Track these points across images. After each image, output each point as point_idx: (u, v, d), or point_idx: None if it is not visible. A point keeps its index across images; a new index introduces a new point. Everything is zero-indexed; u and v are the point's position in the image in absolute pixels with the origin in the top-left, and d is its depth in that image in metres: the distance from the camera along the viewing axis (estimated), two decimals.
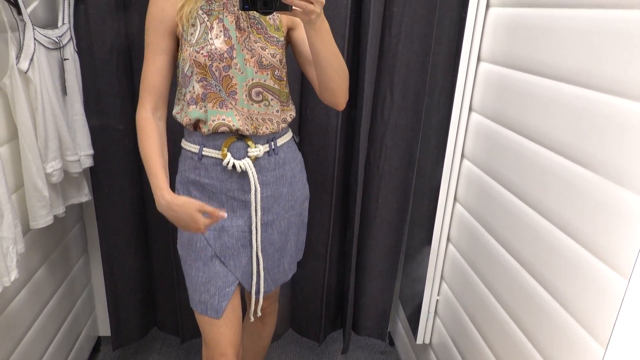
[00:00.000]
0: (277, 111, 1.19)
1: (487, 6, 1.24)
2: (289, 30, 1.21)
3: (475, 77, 1.30)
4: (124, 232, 1.70)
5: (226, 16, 1.12)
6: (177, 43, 1.16)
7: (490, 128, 1.23)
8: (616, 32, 0.80)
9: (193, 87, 1.14)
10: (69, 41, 1.38)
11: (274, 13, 0.98)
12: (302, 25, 1.15)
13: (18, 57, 1.18)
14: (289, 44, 1.24)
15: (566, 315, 0.91)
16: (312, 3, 0.93)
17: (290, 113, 1.24)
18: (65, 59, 1.35)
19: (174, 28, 1.14)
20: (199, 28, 1.11)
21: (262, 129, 1.17)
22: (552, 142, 0.97)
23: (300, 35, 1.19)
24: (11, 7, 1.14)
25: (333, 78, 1.11)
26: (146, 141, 1.15)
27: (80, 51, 1.45)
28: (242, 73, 1.13)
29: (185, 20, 1.11)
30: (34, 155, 1.24)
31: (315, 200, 1.75)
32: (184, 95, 1.17)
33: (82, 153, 1.45)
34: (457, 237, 1.47)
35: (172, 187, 1.20)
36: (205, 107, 1.14)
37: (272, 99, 1.17)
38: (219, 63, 1.11)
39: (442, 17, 1.58)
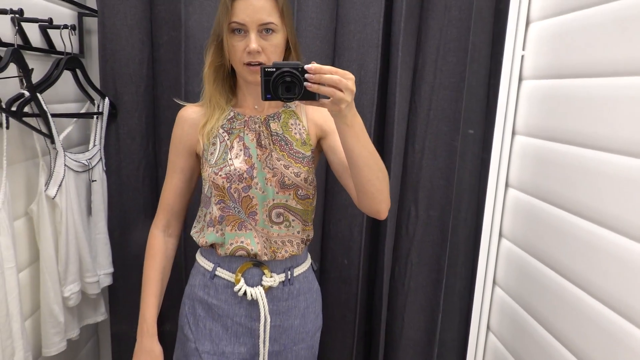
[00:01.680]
0: (299, 232, 1.13)
1: (513, 133, 1.23)
2: (320, 140, 1.14)
3: (504, 202, 1.26)
4: None
5: (247, 134, 1.09)
6: (196, 162, 1.15)
7: (522, 257, 1.17)
8: None
9: (212, 209, 1.10)
10: (98, 162, 1.41)
11: (304, 120, 0.93)
12: (334, 132, 1.09)
13: (47, 184, 1.20)
14: (322, 152, 1.17)
15: None
16: (341, 90, 0.83)
17: (310, 232, 1.17)
18: (93, 181, 1.37)
19: (192, 147, 1.13)
20: (218, 147, 1.09)
21: (280, 252, 1.11)
22: (597, 214, 0.91)
23: (332, 143, 1.11)
24: (45, 137, 1.18)
25: (370, 179, 0.98)
26: (149, 261, 1.15)
27: (109, 169, 1.48)
28: (263, 192, 1.08)
29: (207, 138, 1.09)
30: (53, 281, 1.22)
31: (338, 319, 1.67)
32: (205, 216, 1.14)
33: (102, 272, 1.42)
34: None
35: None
36: (222, 230, 1.10)
37: (293, 220, 1.11)
38: (238, 184, 1.06)
39: (466, 135, 1.58)
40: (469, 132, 1.44)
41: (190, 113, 1.13)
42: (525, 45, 1.18)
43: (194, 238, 1.17)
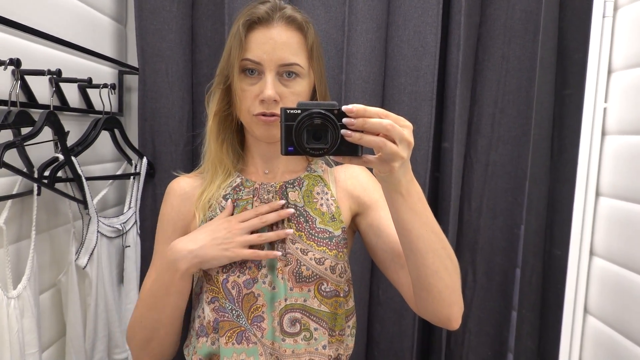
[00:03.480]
0: (324, 347, 0.80)
1: (597, 194, 1.09)
2: (356, 217, 0.86)
3: (588, 275, 1.09)
4: None
5: (257, 207, 0.82)
6: None
7: (612, 338, 1.00)
8: None
9: (203, 310, 0.81)
10: (132, 226, 1.32)
11: (332, 189, 0.75)
12: (377, 205, 0.84)
13: (78, 253, 1.10)
14: (358, 232, 0.90)
15: None
16: (394, 142, 0.60)
17: (346, 345, 0.84)
18: (126, 246, 1.28)
19: (187, 229, 0.85)
20: None
21: None
22: None
23: (375, 221, 0.83)
24: (78, 202, 1.10)
25: (437, 270, 0.70)
26: (132, 318, 0.85)
27: (143, 232, 1.39)
28: (273, 289, 0.79)
29: (202, 211, 0.83)
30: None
31: None
32: (194, 321, 0.85)
33: None
34: None
35: None
36: (217, 340, 0.80)
37: (316, 329, 0.79)
38: (238, 276, 0.78)
39: (531, 191, 1.44)
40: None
41: (183, 185, 0.88)
42: (607, 97, 1.05)
43: (185, 354, 0.87)
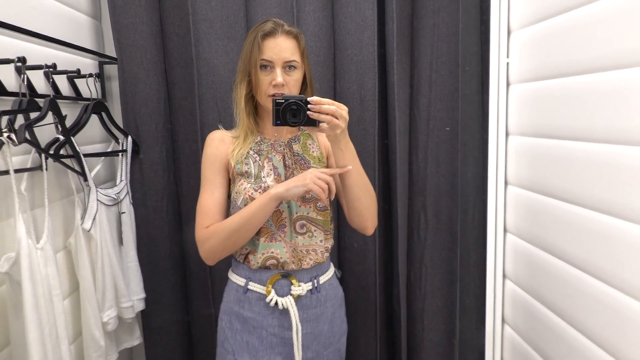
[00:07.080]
0: (321, 241, 1.23)
1: (507, 134, 1.33)
2: (328, 159, 1.29)
3: (505, 199, 1.34)
4: None
5: (274, 155, 1.21)
6: (229, 178, 1.23)
7: (527, 249, 1.25)
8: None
9: None
10: (125, 195, 1.52)
11: (317, 141, 1.12)
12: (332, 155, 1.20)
13: (82, 218, 1.31)
14: None
15: None
16: (337, 118, 1.02)
17: (331, 241, 1.28)
18: (122, 213, 1.48)
19: (226, 165, 1.22)
20: (252, 166, 1.20)
21: (305, 261, 1.20)
22: (587, 200, 1.01)
23: (331, 164, 1.26)
24: (79, 175, 1.30)
25: (359, 197, 1.16)
26: (219, 226, 1.15)
27: (135, 202, 1.59)
28: (289, 207, 1.20)
29: (234, 160, 1.20)
30: (92, 307, 1.31)
31: (359, 326, 1.74)
32: None
33: (135, 298, 1.52)
34: (509, 358, 1.41)
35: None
36: (258, 240, 1.19)
37: (315, 230, 1.22)
38: None
39: (465, 141, 1.68)
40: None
41: (219, 135, 1.24)
42: (509, 53, 1.28)
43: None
